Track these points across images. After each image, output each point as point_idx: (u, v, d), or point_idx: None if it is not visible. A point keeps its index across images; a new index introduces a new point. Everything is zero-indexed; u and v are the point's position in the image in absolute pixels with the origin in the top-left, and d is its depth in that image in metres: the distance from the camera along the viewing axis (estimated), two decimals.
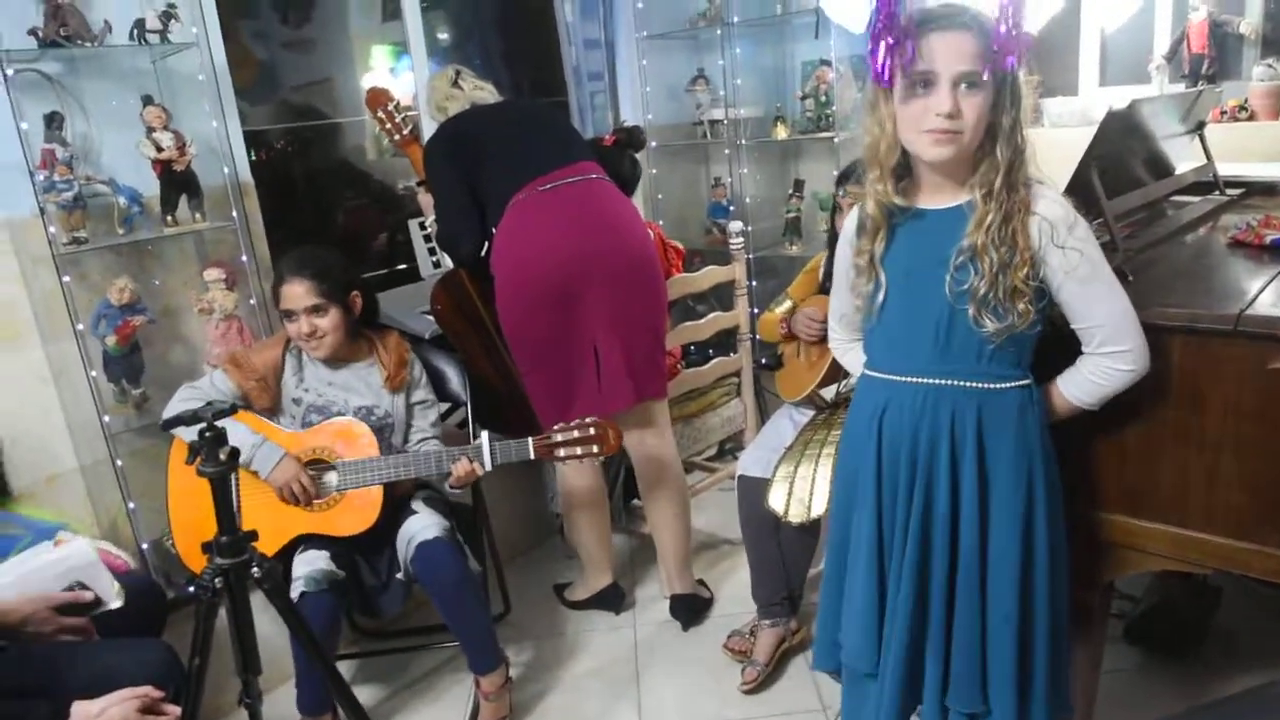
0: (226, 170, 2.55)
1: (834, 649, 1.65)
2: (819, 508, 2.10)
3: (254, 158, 3.38)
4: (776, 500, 2.16)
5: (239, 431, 2.04)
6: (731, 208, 3.84)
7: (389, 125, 2.59)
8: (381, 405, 2.24)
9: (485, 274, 2.41)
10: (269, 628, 2.08)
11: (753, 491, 2.28)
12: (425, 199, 2.59)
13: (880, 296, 1.47)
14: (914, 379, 1.46)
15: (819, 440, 2.21)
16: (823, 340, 2.37)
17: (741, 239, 3.01)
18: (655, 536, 2.63)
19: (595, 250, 2.28)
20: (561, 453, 2.12)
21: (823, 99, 3.57)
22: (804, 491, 2.13)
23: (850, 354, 1.69)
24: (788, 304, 2.51)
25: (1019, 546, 1.43)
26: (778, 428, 2.41)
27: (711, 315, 2.97)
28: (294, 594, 1.99)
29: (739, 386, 3.13)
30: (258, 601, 1.59)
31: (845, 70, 3.59)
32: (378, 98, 2.59)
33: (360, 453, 2.13)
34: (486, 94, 2.52)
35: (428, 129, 2.68)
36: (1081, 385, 1.45)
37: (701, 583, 2.71)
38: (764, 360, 2.73)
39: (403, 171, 3.83)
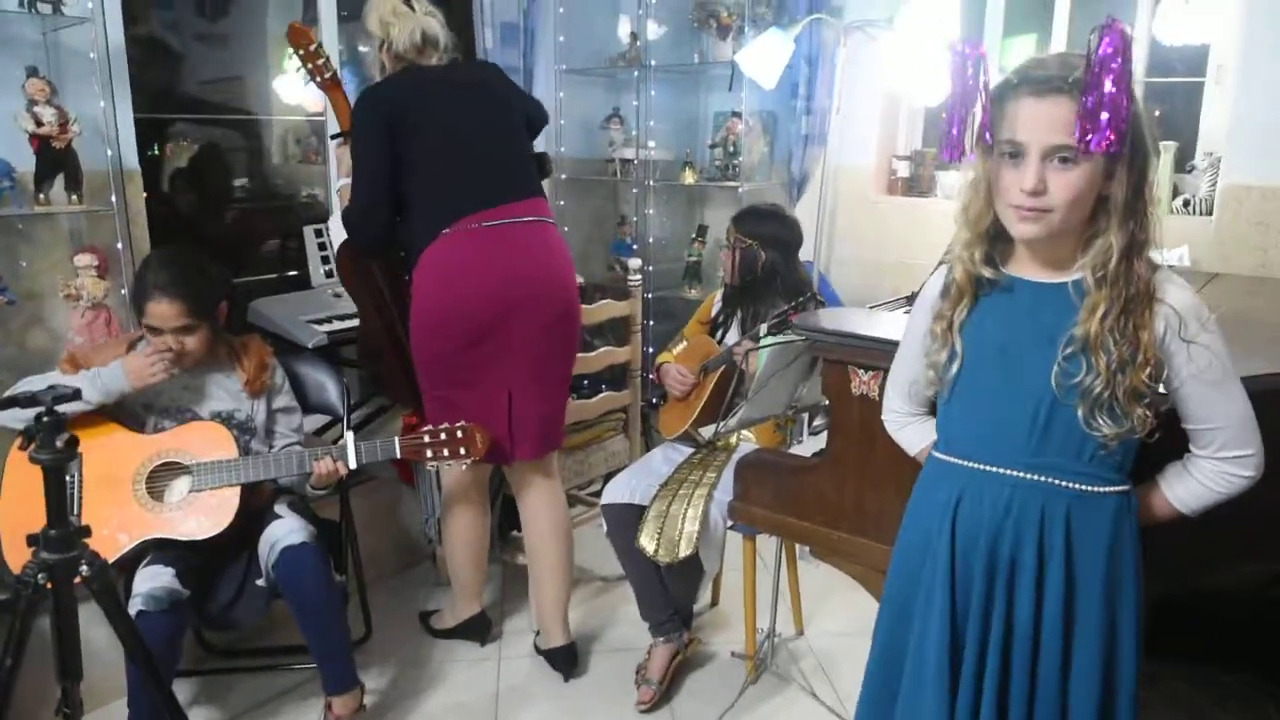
0: (110, 153, 2.44)
1: None
2: (686, 549, 2.12)
3: (154, 149, 3.27)
4: (647, 540, 2.17)
5: (70, 382, 1.92)
6: (634, 246, 3.87)
7: (310, 65, 2.35)
8: (242, 410, 2.16)
9: (392, 261, 2.33)
10: (106, 640, 1.97)
11: (618, 519, 2.29)
12: (343, 152, 2.35)
13: (954, 369, 1.31)
14: (999, 469, 1.28)
15: (693, 480, 2.23)
16: (687, 396, 2.42)
17: (640, 276, 3.04)
18: (536, 584, 2.52)
19: (531, 298, 2.19)
20: (429, 454, 2.10)
21: (731, 149, 3.66)
22: (673, 532, 2.14)
23: (908, 430, 1.49)
24: (683, 345, 2.55)
25: (1100, 676, 1.27)
26: (649, 461, 2.43)
27: (604, 349, 2.98)
28: (131, 611, 1.86)
29: (625, 423, 3.14)
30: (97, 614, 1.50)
31: (755, 123, 3.70)
32: (299, 35, 2.34)
33: (218, 455, 2.04)
34: (436, 25, 2.25)
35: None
36: (1194, 492, 1.29)
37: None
38: (654, 399, 2.75)
39: (307, 179, 3.76)
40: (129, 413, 2.11)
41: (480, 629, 2.63)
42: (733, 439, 2.39)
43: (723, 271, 2.52)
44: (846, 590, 1.90)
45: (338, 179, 2.41)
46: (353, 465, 2.08)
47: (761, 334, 2.28)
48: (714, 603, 2.81)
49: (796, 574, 2.62)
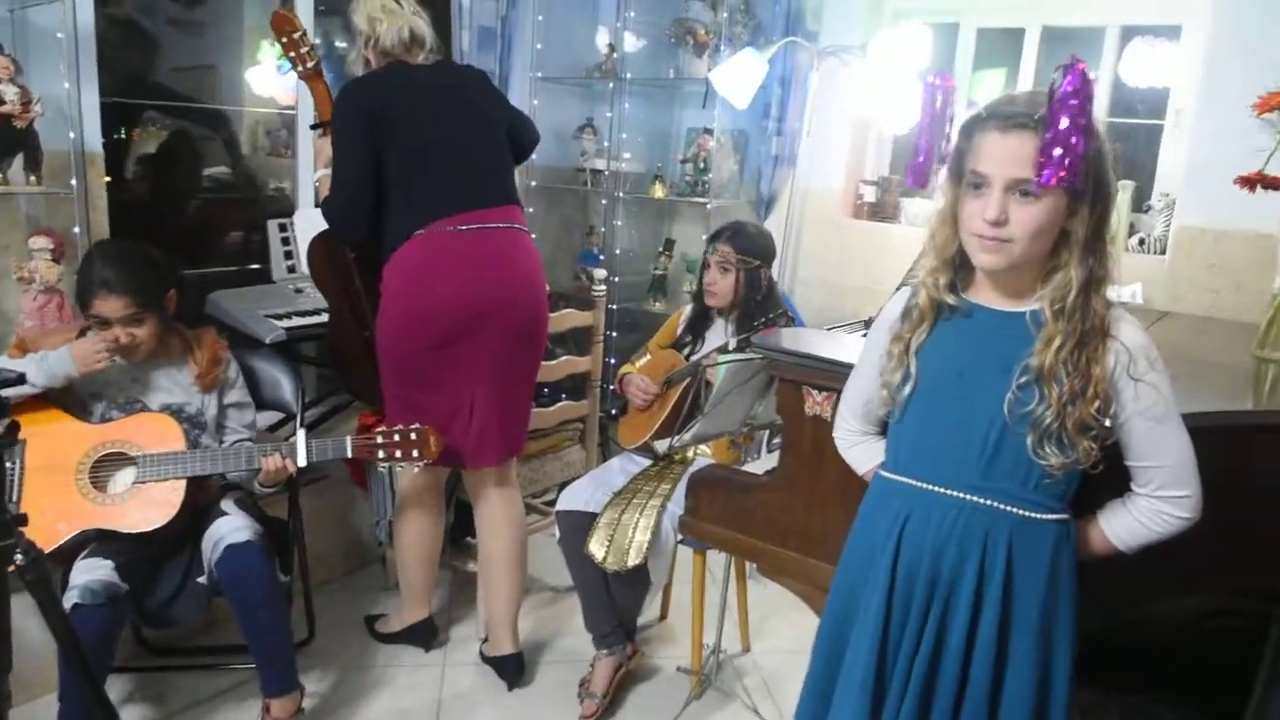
0: (73, 136, 2.41)
1: None
2: (635, 558, 2.13)
3: (122, 133, 3.23)
4: (596, 547, 2.17)
5: (16, 365, 1.91)
6: (601, 256, 3.88)
7: (292, 54, 2.29)
8: (192, 403, 2.14)
9: (367, 256, 2.29)
10: (38, 632, 1.92)
11: (573, 526, 2.29)
12: (322, 144, 2.31)
13: (907, 390, 1.33)
14: (947, 491, 1.31)
15: (647, 491, 2.24)
16: (649, 407, 2.42)
17: (604, 287, 3.04)
18: (488, 591, 2.49)
19: (501, 304, 2.18)
20: (381, 455, 2.08)
21: (701, 165, 3.69)
22: (624, 540, 2.15)
23: (858, 449, 1.51)
24: (647, 358, 2.56)
25: (1033, 704, 1.29)
26: (606, 470, 2.43)
27: (565, 358, 2.97)
28: (66, 604, 1.83)
29: (583, 433, 3.13)
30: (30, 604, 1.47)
31: (726, 141, 3.73)
32: (283, 22, 2.27)
33: (165, 447, 2.01)
34: (423, 25, 2.25)
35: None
36: (1131, 529, 1.31)
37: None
38: (613, 411, 2.76)
39: (276, 172, 3.72)
40: (76, 400, 2.07)
41: (426, 634, 2.61)
42: (689, 452, 2.40)
43: (710, 294, 2.46)
44: (794, 608, 1.92)
45: (316, 170, 2.38)
46: (302, 463, 2.05)
47: (730, 347, 2.30)
48: (663, 616, 2.82)
49: (745, 590, 2.63)
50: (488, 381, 2.22)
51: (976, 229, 1.22)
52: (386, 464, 2.10)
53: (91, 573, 1.91)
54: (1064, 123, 1.14)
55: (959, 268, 1.32)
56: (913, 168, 1.32)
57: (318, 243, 2.38)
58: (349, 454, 2.08)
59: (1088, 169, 1.18)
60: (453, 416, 2.22)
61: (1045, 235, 1.22)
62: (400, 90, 2.18)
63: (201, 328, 2.24)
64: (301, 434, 2.07)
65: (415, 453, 2.09)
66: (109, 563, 1.94)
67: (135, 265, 2.01)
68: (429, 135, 2.16)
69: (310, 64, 2.29)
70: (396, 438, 2.09)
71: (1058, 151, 1.15)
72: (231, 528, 2.04)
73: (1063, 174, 1.15)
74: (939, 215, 1.31)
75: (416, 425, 2.09)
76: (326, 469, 2.84)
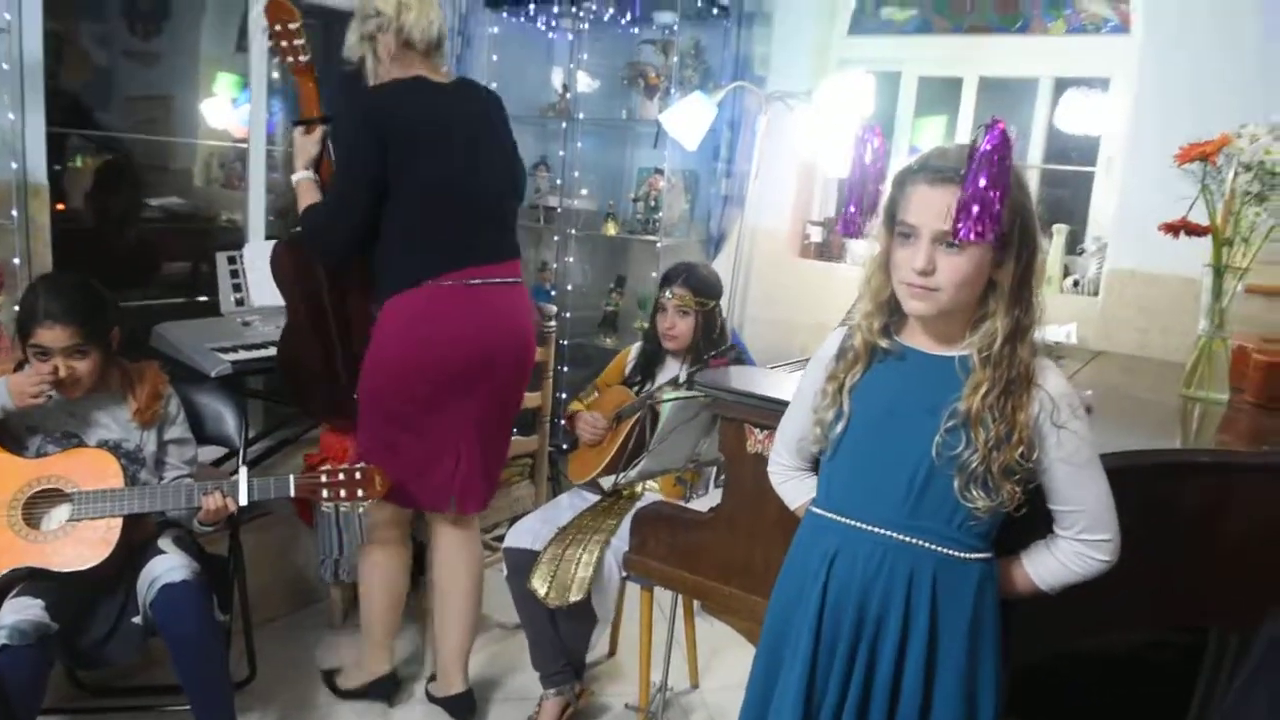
0: (15, 166, 2.38)
1: None
2: (577, 594, 2.12)
3: (76, 161, 3.20)
4: (539, 582, 2.17)
5: None
6: (553, 292, 3.91)
7: (284, 44, 2.15)
8: (131, 440, 2.10)
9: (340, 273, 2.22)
10: None
11: (519, 563, 2.28)
12: (304, 142, 2.20)
13: (840, 427, 1.36)
14: (873, 528, 1.33)
15: (591, 527, 2.24)
16: (599, 443, 2.44)
17: (554, 322, 3.07)
18: (441, 629, 2.44)
19: (498, 360, 2.18)
20: (325, 494, 2.05)
21: (652, 204, 3.75)
22: (566, 576, 2.15)
23: (790, 485, 1.54)
24: (595, 395, 2.58)
25: None
26: (555, 507, 2.43)
27: None
28: None
29: (533, 468, 3.13)
30: None
31: (676, 181, 3.79)
32: (280, 10, 2.13)
33: (103, 484, 1.97)
34: (444, 24, 2.16)
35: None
36: (1053, 570, 1.35)
37: None
38: (564, 446, 2.77)
39: (228, 203, 3.69)
40: (11, 434, 2.02)
41: (389, 689, 2.50)
42: (638, 488, 2.42)
43: (670, 338, 2.48)
44: (741, 644, 1.92)
45: (296, 171, 2.24)
46: (243, 502, 2.01)
47: (680, 380, 2.33)
48: (611, 653, 2.80)
49: (693, 627, 2.64)
50: (478, 432, 2.22)
51: (905, 277, 1.27)
52: (331, 503, 2.07)
53: (21, 612, 1.85)
54: (982, 181, 1.19)
55: (892, 312, 1.36)
56: (843, 219, 1.37)
57: (284, 249, 2.30)
58: (292, 493, 2.05)
59: (1011, 223, 1.23)
60: (435, 463, 2.20)
61: (971, 285, 1.26)
62: (424, 115, 2.07)
63: (144, 362, 2.20)
64: (244, 472, 2.03)
65: (360, 491, 2.06)
66: (39, 602, 1.89)
67: (81, 298, 1.99)
68: (449, 175, 2.09)
69: (303, 57, 2.17)
70: (341, 476, 2.05)
71: (975, 209, 1.19)
72: (167, 567, 1.99)
73: (979, 229, 1.20)
74: (873, 261, 1.36)
75: (361, 464, 2.07)
76: (271, 505, 2.79)
